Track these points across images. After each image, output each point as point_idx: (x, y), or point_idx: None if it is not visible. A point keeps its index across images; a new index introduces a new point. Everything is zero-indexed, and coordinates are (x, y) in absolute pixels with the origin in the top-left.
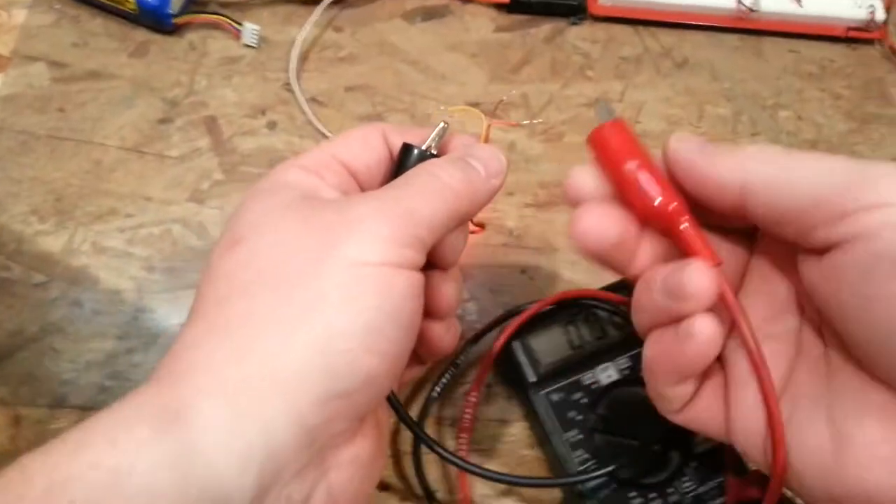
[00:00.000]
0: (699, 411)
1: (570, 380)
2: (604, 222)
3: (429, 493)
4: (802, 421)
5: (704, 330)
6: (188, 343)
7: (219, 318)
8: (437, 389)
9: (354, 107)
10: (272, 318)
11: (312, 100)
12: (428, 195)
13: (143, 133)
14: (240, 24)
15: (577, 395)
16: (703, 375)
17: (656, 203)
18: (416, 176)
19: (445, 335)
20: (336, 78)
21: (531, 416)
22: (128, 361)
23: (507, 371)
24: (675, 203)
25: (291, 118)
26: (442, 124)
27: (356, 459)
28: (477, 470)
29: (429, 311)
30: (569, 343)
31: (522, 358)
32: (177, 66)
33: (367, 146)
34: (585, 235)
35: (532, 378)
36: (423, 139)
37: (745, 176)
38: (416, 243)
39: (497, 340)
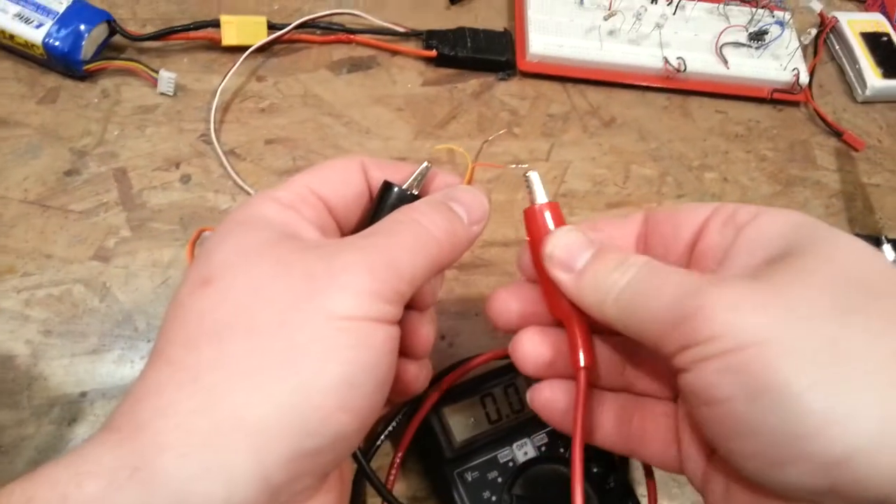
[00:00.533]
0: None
1: (486, 457)
2: (539, 348)
3: None
4: None
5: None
6: (151, 389)
7: (186, 362)
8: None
9: (273, 160)
10: (244, 367)
11: (230, 152)
12: (412, 246)
13: (48, 185)
14: (156, 71)
15: (492, 474)
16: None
17: (560, 300)
18: (399, 223)
19: (420, 374)
20: (256, 129)
21: (444, 494)
22: (18, 434)
23: (423, 444)
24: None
25: (207, 171)
26: (425, 164)
27: None
28: None
29: (404, 352)
30: (486, 417)
31: (439, 433)
32: (88, 113)
33: (345, 180)
34: (524, 361)
35: (448, 454)
36: (405, 177)
37: (601, 308)
38: (398, 298)
39: (418, 412)
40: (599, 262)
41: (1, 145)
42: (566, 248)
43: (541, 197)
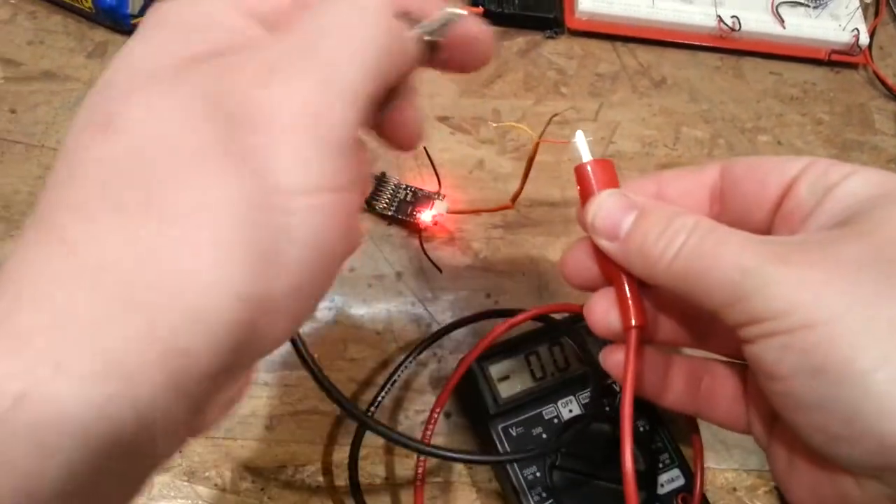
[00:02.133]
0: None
1: (530, 413)
2: (613, 311)
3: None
4: None
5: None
6: (21, 261)
7: (77, 235)
8: (372, 410)
9: None
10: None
11: None
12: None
13: None
14: None
15: (537, 430)
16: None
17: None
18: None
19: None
20: None
21: (489, 449)
22: None
23: (465, 400)
24: None
25: None
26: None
27: (229, 401)
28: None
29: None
30: (531, 374)
31: (484, 388)
32: None
33: None
34: (597, 323)
35: (493, 410)
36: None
37: (653, 276)
38: (351, 142)
39: (459, 367)
40: (644, 225)
41: (51, 98)
42: (607, 214)
43: (585, 156)
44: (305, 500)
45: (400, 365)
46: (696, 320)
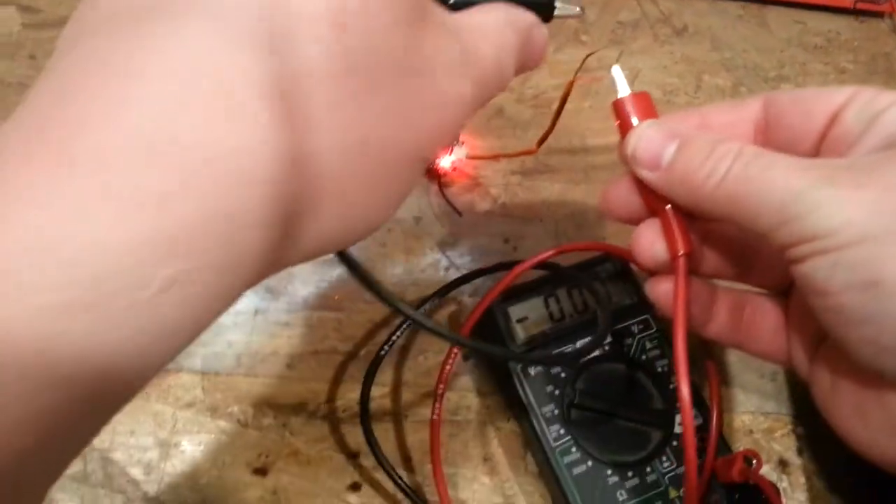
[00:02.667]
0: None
1: (549, 353)
2: (659, 242)
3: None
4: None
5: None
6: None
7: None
8: (386, 348)
9: None
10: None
11: None
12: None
13: None
14: None
15: (555, 370)
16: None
17: (651, 194)
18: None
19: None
20: None
21: (508, 388)
22: None
23: (486, 339)
24: None
25: None
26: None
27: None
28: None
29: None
30: (550, 315)
31: (503, 327)
32: None
33: None
34: (643, 255)
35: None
36: None
37: (697, 204)
38: None
39: (479, 305)
40: (686, 154)
41: None
42: (648, 145)
43: (623, 90)
44: (325, 435)
45: (420, 306)
46: (737, 253)
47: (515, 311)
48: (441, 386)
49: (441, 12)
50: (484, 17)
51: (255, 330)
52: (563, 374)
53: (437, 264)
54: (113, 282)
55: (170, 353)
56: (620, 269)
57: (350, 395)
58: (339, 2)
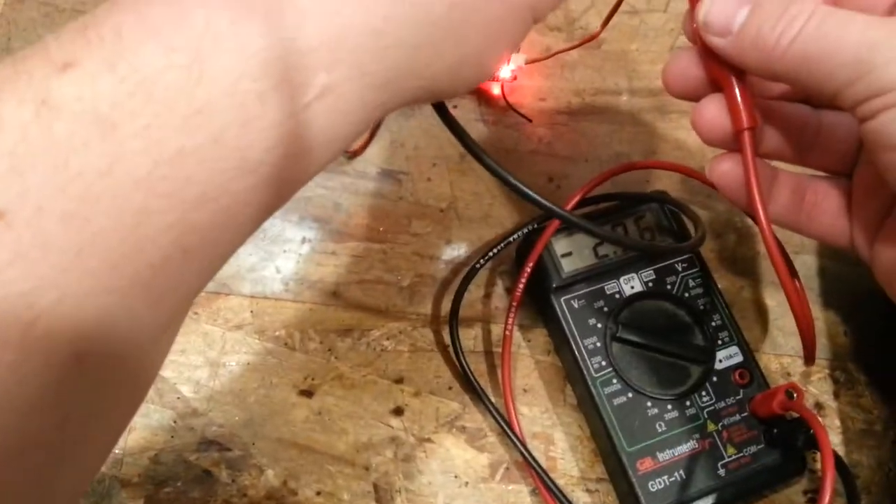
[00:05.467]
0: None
1: (592, 287)
2: (724, 115)
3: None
4: None
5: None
6: None
7: None
8: (481, 261)
9: None
10: None
11: None
12: None
13: None
14: None
15: (598, 303)
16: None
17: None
18: None
19: None
20: None
21: (551, 320)
22: None
23: (531, 275)
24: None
25: None
26: None
27: None
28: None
29: None
30: (594, 252)
31: (548, 262)
32: None
33: None
34: (708, 129)
35: (556, 283)
36: None
37: (770, 65)
38: None
39: (536, 246)
40: (759, 16)
41: None
42: (721, 9)
43: None
44: (370, 361)
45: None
46: (798, 132)
47: (560, 245)
48: (514, 305)
49: None
50: None
51: (303, 258)
52: (605, 308)
53: (480, 199)
54: (291, 80)
55: (325, 158)
56: (666, 209)
57: (393, 323)
58: None
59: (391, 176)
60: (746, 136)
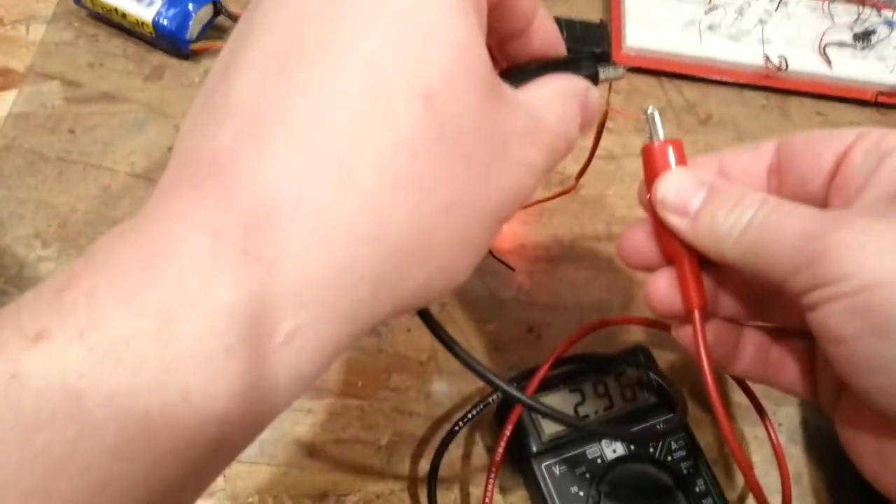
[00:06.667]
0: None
1: (573, 452)
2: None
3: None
4: None
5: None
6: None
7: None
8: (460, 423)
9: None
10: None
11: None
12: None
13: (153, 160)
14: None
15: (580, 469)
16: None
17: (671, 240)
18: None
19: None
20: None
21: (532, 486)
22: None
23: (510, 436)
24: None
25: None
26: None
27: None
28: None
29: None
30: (575, 412)
31: (528, 426)
32: (191, 93)
33: None
34: (659, 303)
35: (535, 448)
36: None
37: (720, 252)
38: None
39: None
40: (714, 203)
41: (109, 119)
42: (677, 191)
43: (657, 135)
44: None
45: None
46: (757, 295)
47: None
48: (493, 470)
49: (508, 88)
50: (545, 90)
51: (279, 417)
52: (587, 474)
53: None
54: (258, 330)
55: (295, 392)
56: (644, 367)
57: (371, 486)
58: (427, 79)
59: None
60: (696, 315)
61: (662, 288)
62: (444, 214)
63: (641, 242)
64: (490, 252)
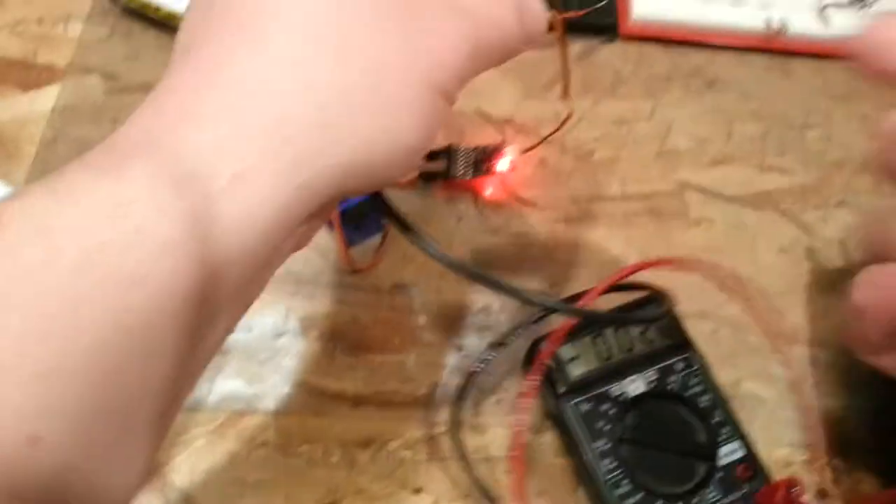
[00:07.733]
0: None
1: (598, 391)
2: None
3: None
4: None
5: None
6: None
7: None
8: (481, 365)
9: None
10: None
11: None
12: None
13: None
14: None
15: (605, 406)
16: None
17: None
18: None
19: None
20: None
21: (561, 425)
22: None
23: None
24: None
25: None
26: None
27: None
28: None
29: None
30: (597, 355)
31: (554, 368)
32: None
33: None
34: None
35: (562, 389)
36: None
37: None
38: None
39: (545, 350)
40: None
41: None
42: None
43: None
44: (390, 472)
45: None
46: None
47: (565, 351)
48: (524, 411)
49: None
50: None
51: (321, 372)
52: (612, 411)
53: (488, 307)
54: (201, 175)
55: (252, 242)
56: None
57: (411, 433)
58: None
59: (402, 289)
60: None
61: None
62: (371, 73)
63: None
64: (512, 193)
